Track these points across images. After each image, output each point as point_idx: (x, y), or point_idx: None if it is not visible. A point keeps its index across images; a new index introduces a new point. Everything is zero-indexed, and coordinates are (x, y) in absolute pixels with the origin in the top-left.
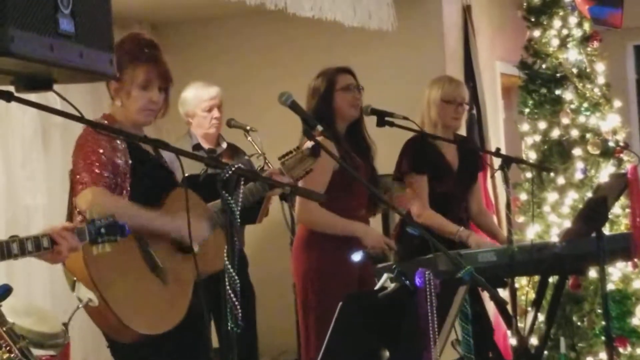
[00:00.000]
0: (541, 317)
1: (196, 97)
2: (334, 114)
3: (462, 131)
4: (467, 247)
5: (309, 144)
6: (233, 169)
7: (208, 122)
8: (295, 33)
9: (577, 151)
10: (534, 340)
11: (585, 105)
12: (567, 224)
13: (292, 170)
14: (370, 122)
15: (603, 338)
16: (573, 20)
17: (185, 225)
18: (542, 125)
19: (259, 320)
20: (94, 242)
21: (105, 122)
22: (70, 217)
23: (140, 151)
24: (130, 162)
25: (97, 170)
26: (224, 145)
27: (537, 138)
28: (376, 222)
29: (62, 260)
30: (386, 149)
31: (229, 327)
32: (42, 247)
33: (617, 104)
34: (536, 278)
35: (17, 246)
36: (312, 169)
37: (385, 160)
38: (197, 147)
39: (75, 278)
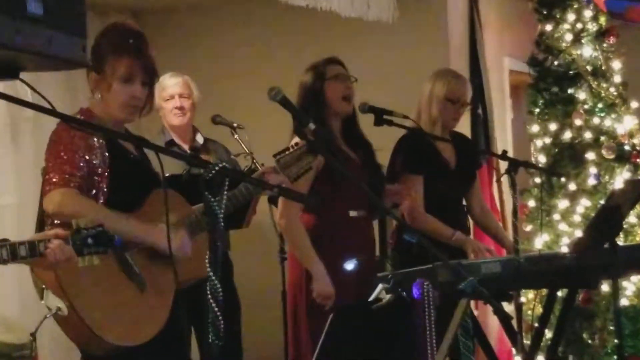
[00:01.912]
0: (549, 334)
1: (159, 86)
2: (325, 108)
3: (465, 130)
4: (464, 253)
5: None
6: (217, 168)
7: (169, 112)
8: (287, 24)
9: (590, 155)
10: (540, 359)
11: (600, 105)
12: (578, 233)
13: (289, 169)
14: (367, 121)
15: (615, 357)
16: (588, 13)
17: (161, 236)
18: (552, 126)
19: (245, 332)
20: (79, 254)
21: (82, 117)
22: (40, 219)
23: (120, 149)
24: (108, 161)
25: (68, 170)
26: (200, 140)
27: (548, 140)
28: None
29: (49, 268)
30: (384, 150)
31: (211, 340)
32: (39, 252)
33: (635, 104)
34: (544, 291)
35: (6, 251)
36: (311, 168)
37: (383, 162)
38: (171, 143)
39: (43, 285)
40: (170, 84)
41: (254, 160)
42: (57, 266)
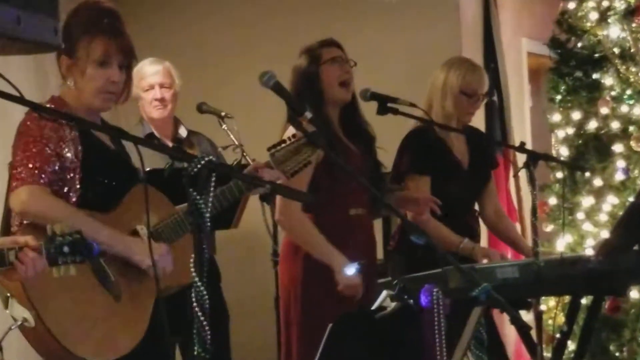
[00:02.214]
0: (572, 346)
1: (137, 74)
2: (321, 94)
3: (478, 119)
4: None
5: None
6: (203, 162)
7: (148, 104)
8: (280, 3)
9: (617, 147)
10: None
11: (629, 92)
12: (605, 234)
13: (284, 164)
14: (369, 109)
15: None
16: None
17: (138, 250)
18: (576, 115)
19: (234, 343)
20: (54, 263)
21: (52, 105)
22: (6, 219)
23: (95, 141)
24: (81, 154)
25: (37, 165)
26: (184, 133)
27: (570, 131)
28: (376, 225)
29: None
30: (388, 142)
31: (196, 352)
32: (7, 262)
33: None
34: (566, 299)
35: None
36: (310, 162)
37: (387, 155)
38: (150, 137)
39: (8, 293)
40: (149, 73)
41: (244, 154)
42: (25, 279)
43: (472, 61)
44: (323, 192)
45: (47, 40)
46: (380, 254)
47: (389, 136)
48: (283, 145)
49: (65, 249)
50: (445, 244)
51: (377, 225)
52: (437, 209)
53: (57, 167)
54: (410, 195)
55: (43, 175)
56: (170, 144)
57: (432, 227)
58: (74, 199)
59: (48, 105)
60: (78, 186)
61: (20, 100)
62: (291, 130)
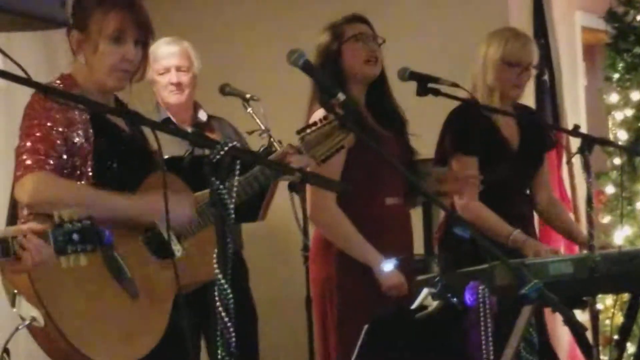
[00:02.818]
0: (631, 348)
1: (151, 56)
2: (343, 74)
3: (528, 100)
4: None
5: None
6: (226, 147)
7: (163, 88)
8: None
9: None
10: None
11: None
12: None
13: (315, 149)
14: (407, 90)
15: None
16: None
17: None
18: (635, 95)
19: (262, 346)
20: (63, 252)
21: (62, 85)
22: (12, 210)
23: (108, 125)
24: (92, 139)
25: (43, 150)
26: (203, 117)
27: (629, 112)
28: (416, 217)
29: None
30: (429, 126)
31: (220, 356)
32: (12, 252)
33: None
34: (625, 297)
35: None
36: (343, 147)
37: (427, 140)
38: (167, 122)
39: (15, 290)
40: (164, 54)
41: (272, 139)
42: (32, 269)
43: (517, 30)
44: (356, 181)
45: (53, 15)
46: (420, 248)
47: (430, 118)
48: (314, 128)
49: (75, 236)
50: (494, 234)
51: (418, 217)
52: (478, 184)
53: (65, 153)
54: (447, 174)
55: (50, 161)
56: (189, 130)
57: (482, 215)
58: None
59: (57, 84)
60: (90, 173)
61: (26, 81)
62: (319, 113)
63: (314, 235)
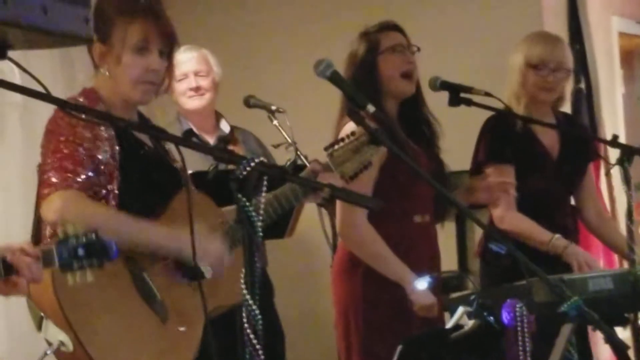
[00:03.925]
0: None
1: None
2: (379, 86)
3: (564, 109)
4: (566, 267)
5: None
6: (253, 163)
7: (182, 95)
8: None
9: None
10: None
11: None
12: None
13: (344, 165)
14: (439, 100)
15: None
16: None
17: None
18: None
19: None
20: (68, 268)
21: (84, 100)
22: (37, 229)
23: (134, 141)
24: (118, 155)
25: (70, 167)
26: (226, 128)
27: None
28: (449, 232)
29: (18, 294)
30: (460, 137)
31: None
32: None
33: None
34: None
35: None
36: (371, 163)
37: (459, 151)
38: (189, 133)
39: (42, 314)
40: (182, 60)
41: (298, 152)
42: (22, 292)
43: (547, 32)
44: (387, 198)
45: (76, 32)
46: (454, 264)
47: (461, 129)
48: (342, 143)
49: (80, 251)
50: (533, 242)
51: (451, 232)
52: (513, 193)
53: (91, 170)
54: (480, 184)
55: (78, 179)
56: (211, 141)
57: (518, 224)
58: (112, 205)
59: (80, 100)
60: (116, 191)
61: (46, 97)
62: (349, 127)
63: (339, 253)
